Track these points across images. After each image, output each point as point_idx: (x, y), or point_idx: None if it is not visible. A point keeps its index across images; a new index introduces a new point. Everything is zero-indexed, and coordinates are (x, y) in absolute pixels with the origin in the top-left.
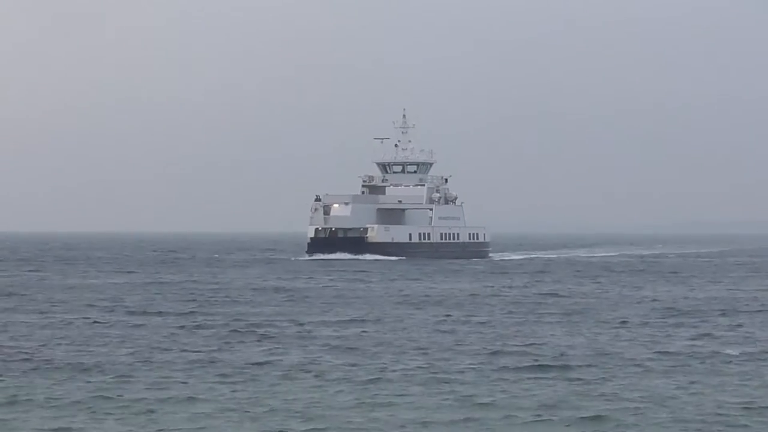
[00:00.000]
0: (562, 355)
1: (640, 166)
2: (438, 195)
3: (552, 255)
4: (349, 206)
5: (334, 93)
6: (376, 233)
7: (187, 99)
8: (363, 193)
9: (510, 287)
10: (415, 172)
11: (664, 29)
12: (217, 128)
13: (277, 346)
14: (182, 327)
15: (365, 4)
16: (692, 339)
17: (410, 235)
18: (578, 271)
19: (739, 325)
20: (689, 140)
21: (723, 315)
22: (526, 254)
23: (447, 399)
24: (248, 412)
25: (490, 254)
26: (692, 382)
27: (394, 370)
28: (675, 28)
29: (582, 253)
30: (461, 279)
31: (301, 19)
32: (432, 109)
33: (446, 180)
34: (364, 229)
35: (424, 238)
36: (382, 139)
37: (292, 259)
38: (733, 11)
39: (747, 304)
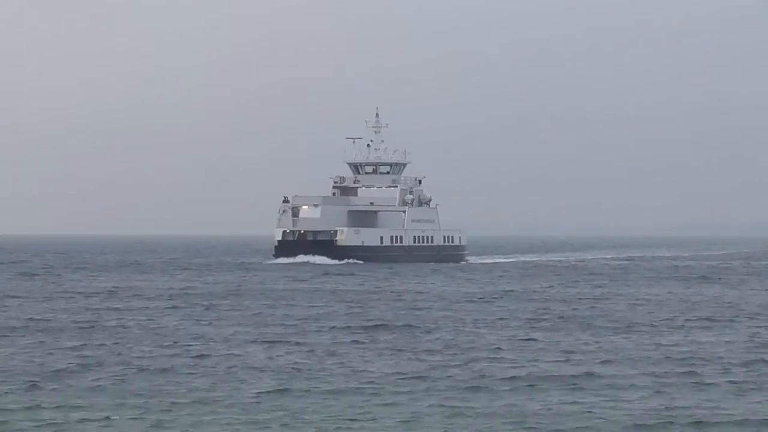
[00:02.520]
0: None
1: (645, 168)
2: (411, 197)
3: (533, 258)
4: (319, 208)
5: (333, 93)
6: (345, 236)
7: (189, 101)
8: (334, 194)
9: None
10: (388, 173)
11: (664, 32)
12: (223, 130)
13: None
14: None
15: (363, 5)
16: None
17: (381, 238)
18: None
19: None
20: (689, 142)
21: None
22: (507, 258)
23: None
24: None
25: (467, 258)
26: None
27: None
28: (675, 32)
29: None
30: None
31: (299, 20)
32: (434, 112)
33: (420, 181)
34: (334, 231)
35: (396, 241)
36: (354, 138)
37: (264, 262)
38: (733, 13)
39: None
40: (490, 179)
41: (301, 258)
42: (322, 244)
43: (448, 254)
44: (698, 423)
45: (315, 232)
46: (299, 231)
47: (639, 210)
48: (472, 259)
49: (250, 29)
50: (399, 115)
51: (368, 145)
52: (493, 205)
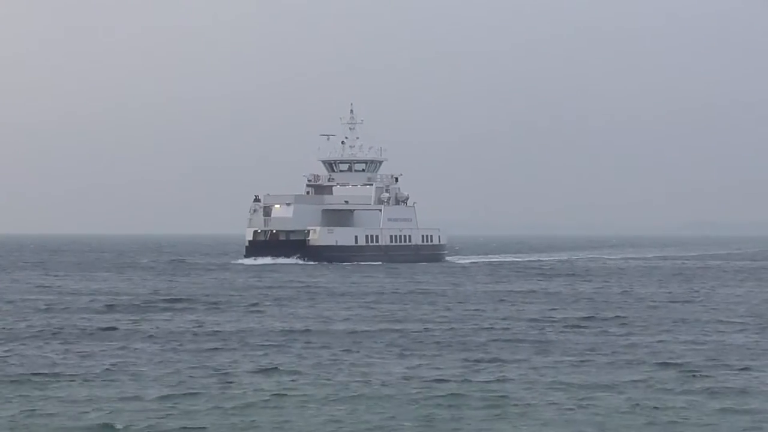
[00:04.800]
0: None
1: (644, 168)
2: (387, 195)
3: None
4: (291, 207)
5: (326, 92)
6: (318, 235)
7: (188, 100)
8: (308, 193)
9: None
10: (363, 170)
11: (664, 31)
12: (219, 130)
13: None
14: None
15: (356, 5)
16: None
17: (356, 237)
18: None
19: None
20: (689, 141)
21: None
22: (484, 258)
23: None
24: None
25: (447, 257)
26: None
27: None
28: (676, 32)
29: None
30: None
31: (293, 19)
32: (434, 111)
33: (396, 179)
34: (307, 231)
35: (372, 241)
36: (328, 135)
37: (233, 262)
38: (736, 13)
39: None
40: (491, 178)
41: (267, 260)
42: (294, 244)
43: (427, 254)
44: None
45: (287, 232)
46: (271, 231)
47: (638, 209)
48: (465, 260)
49: (247, 28)
50: (398, 114)
51: (343, 143)
52: (493, 205)
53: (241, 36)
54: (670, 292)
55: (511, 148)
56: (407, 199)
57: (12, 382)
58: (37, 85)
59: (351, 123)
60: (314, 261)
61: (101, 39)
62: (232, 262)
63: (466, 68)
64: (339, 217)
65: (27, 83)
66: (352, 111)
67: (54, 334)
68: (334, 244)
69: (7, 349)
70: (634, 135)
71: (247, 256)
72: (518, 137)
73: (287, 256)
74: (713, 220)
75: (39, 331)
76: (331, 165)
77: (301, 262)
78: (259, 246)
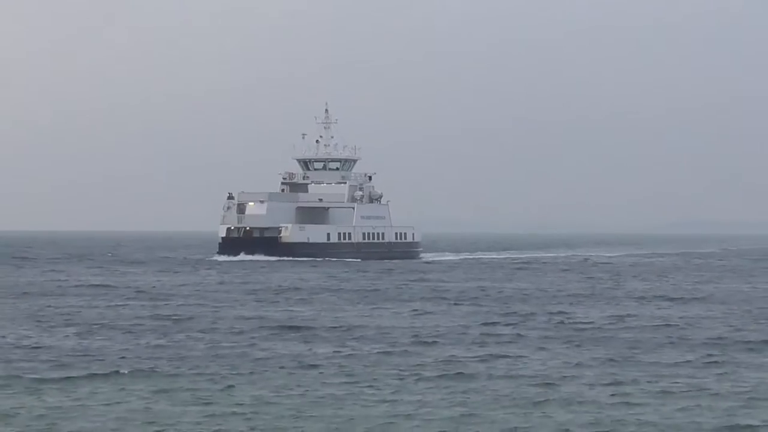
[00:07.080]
0: None
1: (643, 166)
2: (361, 193)
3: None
4: (265, 204)
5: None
6: (290, 233)
7: (187, 97)
8: (283, 190)
9: None
10: (337, 169)
11: (665, 30)
12: (213, 124)
13: None
14: None
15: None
16: None
17: (328, 234)
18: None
19: None
20: (682, 140)
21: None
22: (460, 256)
23: None
24: None
25: (422, 255)
26: None
27: None
28: (674, 31)
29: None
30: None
31: (282, 18)
32: (433, 111)
33: (370, 177)
34: (279, 228)
35: (345, 238)
36: (303, 134)
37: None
38: (732, 12)
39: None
40: (490, 178)
41: (226, 257)
42: (265, 241)
43: (400, 251)
44: None
45: (261, 229)
46: (245, 228)
47: (636, 209)
48: (427, 256)
49: (241, 25)
50: (396, 112)
51: (317, 141)
52: (492, 204)
53: (235, 33)
54: None
55: (511, 147)
56: (381, 197)
57: None
58: (38, 85)
59: (326, 122)
60: (286, 258)
61: (101, 39)
62: (207, 258)
63: (467, 67)
64: (313, 214)
65: (27, 83)
66: (327, 110)
67: None
68: (306, 241)
69: None
70: (634, 135)
71: (220, 252)
72: (518, 136)
73: (259, 253)
74: (714, 220)
75: None
76: (306, 163)
77: (266, 258)
78: (232, 243)
